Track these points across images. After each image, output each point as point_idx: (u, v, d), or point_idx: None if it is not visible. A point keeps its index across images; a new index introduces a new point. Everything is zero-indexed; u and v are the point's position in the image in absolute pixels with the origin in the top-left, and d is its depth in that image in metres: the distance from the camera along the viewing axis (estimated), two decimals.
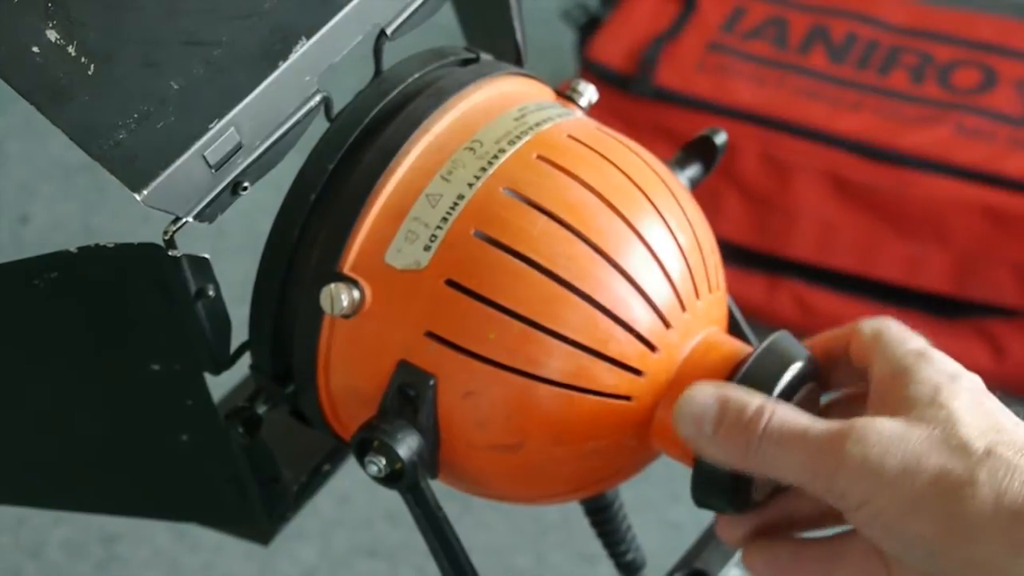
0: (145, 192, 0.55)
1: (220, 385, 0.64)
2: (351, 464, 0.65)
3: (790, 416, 0.55)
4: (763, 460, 0.55)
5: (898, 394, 0.56)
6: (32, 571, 1.40)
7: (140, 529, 1.41)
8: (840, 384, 0.61)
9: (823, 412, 0.61)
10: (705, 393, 0.57)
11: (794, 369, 0.58)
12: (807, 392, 0.59)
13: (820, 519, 0.60)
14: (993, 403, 0.55)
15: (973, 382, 0.56)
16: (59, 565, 1.40)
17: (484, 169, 0.59)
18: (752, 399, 0.56)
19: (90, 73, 0.56)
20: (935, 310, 1.51)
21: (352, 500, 1.43)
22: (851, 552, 0.58)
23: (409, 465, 0.58)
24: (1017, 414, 0.57)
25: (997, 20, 1.64)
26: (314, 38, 0.60)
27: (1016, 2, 1.67)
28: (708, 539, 0.67)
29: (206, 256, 0.58)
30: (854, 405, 0.60)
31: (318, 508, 1.35)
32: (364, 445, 0.58)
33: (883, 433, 0.53)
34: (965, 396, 0.55)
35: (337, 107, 0.61)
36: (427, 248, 0.58)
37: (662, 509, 1.33)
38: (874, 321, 0.59)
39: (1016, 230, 1.48)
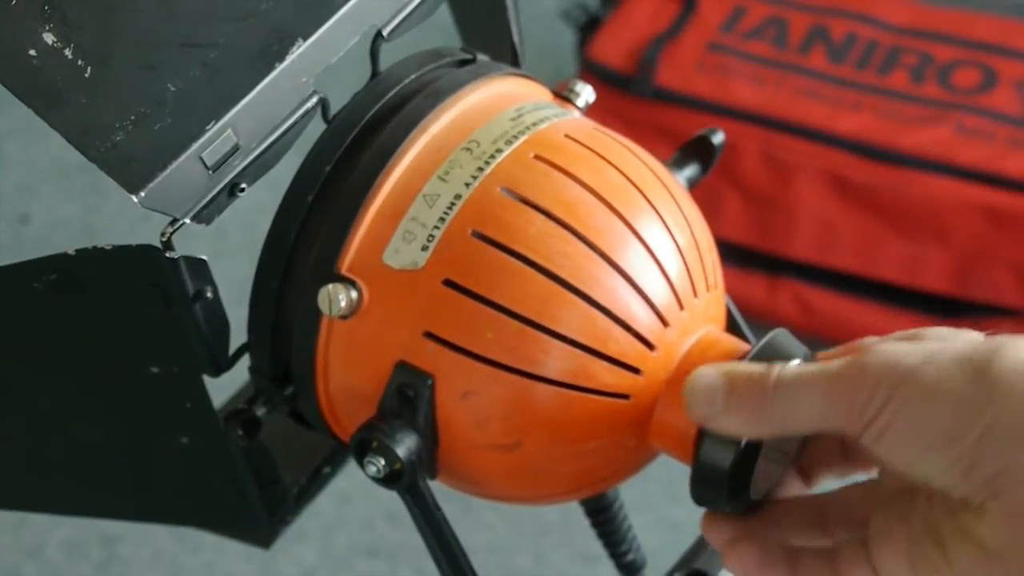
0: (142, 194, 0.55)
1: (222, 389, 0.64)
2: (351, 464, 0.65)
3: (799, 365, 0.55)
4: (780, 412, 0.55)
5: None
6: (32, 571, 1.40)
7: (140, 530, 1.41)
8: None
9: None
10: (709, 371, 0.56)
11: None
12: None
13: (808, 527, 0.60)
14: None
15: None
16: (59, 565, 1.40)
17: (481, 169, 0.59)
18: (756, 366, 0.56)
19: (87, 75, 0.57)
20: (935, 310, 1.51)
21: (352, 500, 1.43)
22: (846, 564, 0.57)
23: (408, 465, 0.58)
24: None
25: (997, 20, 1.64)
26: (311, 39, 0.60)
27: (1016, 2, 1.67)
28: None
29: (204, 258, 0.58)
30: None
31: (318, 509, 1.35)
32: (363, 446, 0.58)
33: (901, 344, 0.54)
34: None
35: (334, 108, 0.61)
36: (424, 248, 0.58)
37: (662, 509, 1.33)
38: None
39: (1016, 230, 1.48)
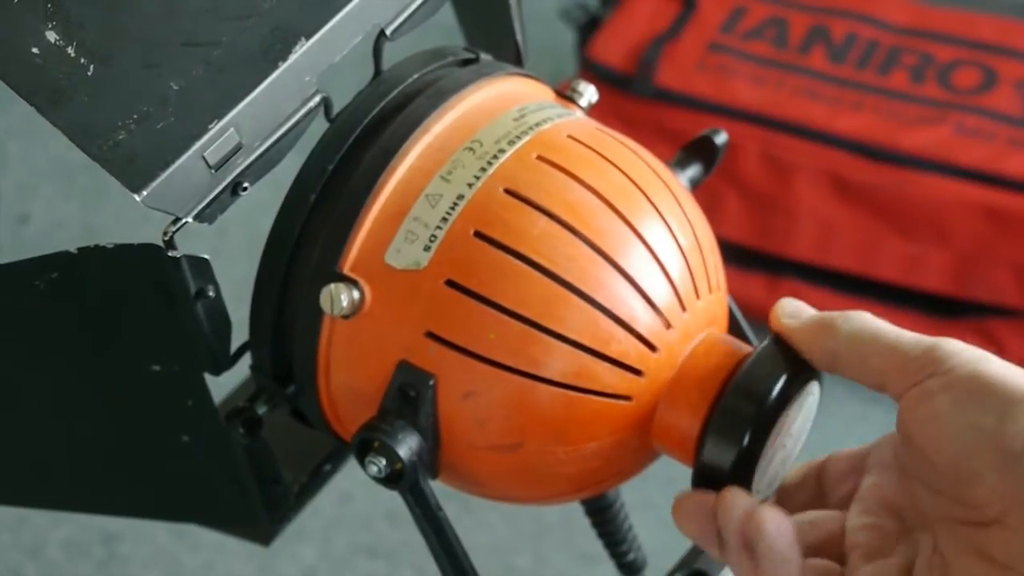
0: (144, 193, 0.55)
1: (222, 385, 0.64)
2: (352, 464, 0.65)
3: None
4: (845, 339, 0.57)
5: None
6: (32, 571, 1.40)
7: (140, 529, 1.41)
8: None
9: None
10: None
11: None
12: (809, 391, 0.59)
13: None
14: None
15: None
16: (59, 565, 1.40)
17: (484, 169, 0.59)
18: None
19: (90, 74, 0.56)
20: (935, 310, 1.51)
21: (352, 500, 1.43)
22: None
23: (409, 465, 0.58)
24: None
25: (997, 20, 1.64)
26: (314, 38, 0.60)
27: (1016, 2, 1.67)
28: None
29: (206, 256, 0.58)
30: None
31: (319, 508, 1.35)
32: (364, 446, 0.58)
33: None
34: None
35: (337, 107, 0.61)
36: (427, 248, 0.58)
37: (662, 509, 1.33)
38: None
39: (1016, 230, 1.48)
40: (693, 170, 0.66)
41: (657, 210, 0.60)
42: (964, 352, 0.54)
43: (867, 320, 0.57)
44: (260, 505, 0.66)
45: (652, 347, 0.58)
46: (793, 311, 0.59)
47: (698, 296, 0.60)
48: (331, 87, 0.61)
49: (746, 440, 0.57)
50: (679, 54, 1.63)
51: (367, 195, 0.59)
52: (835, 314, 0.58)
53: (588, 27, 1.72)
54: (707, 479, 0.58)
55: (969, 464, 0.53)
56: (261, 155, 0.59)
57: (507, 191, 0.58)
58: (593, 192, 0.59)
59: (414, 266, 0.58)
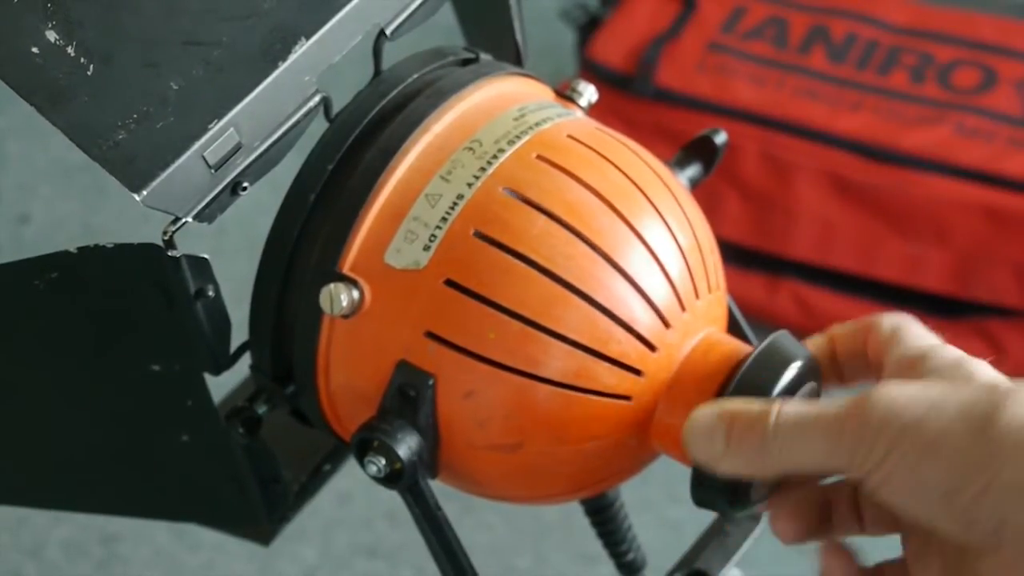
0: (144, 192, 0.55)
1: (221, 385, 0.64)
2: (351, 464, 0.65)
3: (798, 405, 0.55)
4: (780, 454, 0.55)
5: (916, 372, 0.55)
6: (32, 571, 1.40)
7: (140, 529, 1.41)
8: (854, 379, 0.61)
9: None
10: (706, 413, 0.56)
11: (793, 368, 0.58)
12: (807, 391, 0.59)
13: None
14: None
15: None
16: (59, 565, 1.40)
17: (483, 169, 0.59)
18: (754, 404, 0.56)
19: (89, 73, 0.57)
20: (935, 310, 1.51)
21: (352, 500, 1.43)
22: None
23: (408, 465, 0.58)
24: None
25: (997, 20, 1.64)
26: (314, 38, 0.60)
27: (1016, 2, 1.67)
28: (708, 539, 0.67)
29: (205, 256, 0.58)
30: None
31: (318, 508, 1.35)
32: (364, 445, 0.58)
33: (905, 388, 0.53)
34: (986, 365, 0.55)
35: (337, 107, 0.61)
36: (426, 248, 0.58)
37: (662, 509, 1.33)
38: (893, 317, 0.59)
39: (1016, 230, 1.48)
40: (693, 170, 0.66)
41: (657, 210, 0.60)
42: (892, 423, 0.52)
43: (788, 421, 0.55)
44: (260, 505, 0.66)
45: (651, 347, 0.58)
46: (705, 433, 0.56)
47: (697, 296, 0.60)
48: (331, 87, 0.61)
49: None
50: (679, 54, 1.63)
51: (367, 195, 0.59)
52: (752, 425, 0.55)
53: (588, 27, 1.72)
54: (707, 480, 0.58)
55: (939, 527, 0.53)
56: (261, 155, 0.59)
57: (507, 191, 0.58)
58: (593, 192, 0.59)
59: (414, 266, 0.58)
